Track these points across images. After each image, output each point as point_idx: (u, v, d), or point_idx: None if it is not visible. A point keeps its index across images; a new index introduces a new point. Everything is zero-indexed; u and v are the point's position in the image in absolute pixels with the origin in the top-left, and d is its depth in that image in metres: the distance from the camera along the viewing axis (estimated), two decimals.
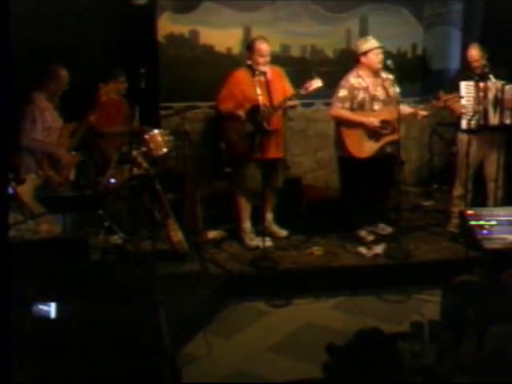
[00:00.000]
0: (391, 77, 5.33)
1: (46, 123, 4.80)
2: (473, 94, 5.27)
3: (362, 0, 6.89)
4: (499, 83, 5.26)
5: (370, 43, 5.22)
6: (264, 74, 5.12)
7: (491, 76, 5.28)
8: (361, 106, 5.25)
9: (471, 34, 6.84)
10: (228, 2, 6.57)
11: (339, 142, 5.36)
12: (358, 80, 5.26)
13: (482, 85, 5.27)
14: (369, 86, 5.24)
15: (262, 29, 6.39)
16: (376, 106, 5.26)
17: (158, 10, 6.31)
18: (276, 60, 5.57)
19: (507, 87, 5.26)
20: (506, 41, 5.94)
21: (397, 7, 7.02)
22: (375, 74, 5.25)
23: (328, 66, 6.27)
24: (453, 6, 7.29)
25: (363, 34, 6.82)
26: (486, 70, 5.33)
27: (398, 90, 5.24)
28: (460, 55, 6.80)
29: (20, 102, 4.77)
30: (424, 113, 5.25)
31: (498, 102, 5.26)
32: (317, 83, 5.07)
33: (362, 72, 5.27)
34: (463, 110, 5.26)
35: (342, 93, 5.25)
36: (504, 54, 5.57)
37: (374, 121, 5.16)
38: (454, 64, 7.13)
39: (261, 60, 5.11)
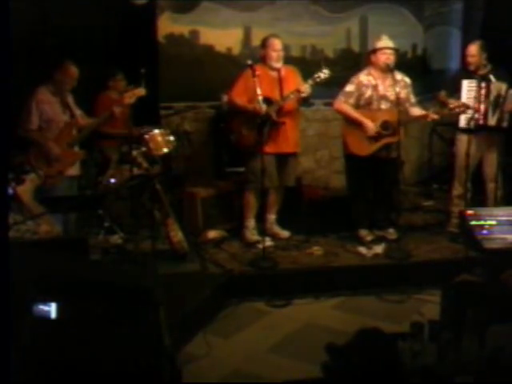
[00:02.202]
0: (407, 79, 5.34)
1: (44, 115, 4.88)
2: (474, 94, 5.27)
3: (362, 0, 6.90)
4: (502, 85, 5.25)
5: (381, 42, 5.24)
6: (278, 70, 5.22)
7: (491, 77, 5.28)
8: (368, 104, 5.26)
9: (471, 34, 6.84)
10: (228, 2, 6.58)
11: (343, 139, 5.43)
12: (367, 77, 5.27)
13: (483, 85, 5.26)
14: (378, 85, 5.24)
15: (262, 29, 6.40)
16: (383, 106, 5.25)
17: (158, 10, 6.32)
18: None
19: (511, 91, 5.25)
20: (506, 41, 5.95)
21: (397, 7, 7.03)
22: (387, 74, 5.21)
23: (328, 65, 6.27)
24: (453, 5, 7.30)
25: (363, 34, 6.85)
26: (486, 70, 5.34)
27: (407, 91, 5.28)
28: (460, 55, 6.80)
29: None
30: (435, 116, 5.20)
31: (499, 104, 5.26)
32: (325, 74, 5.10)
33: (374, 71, 5.28)
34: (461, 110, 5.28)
35: (349, 88, 5.27)
36: (504, 54, 5.57)
37: (371, 127, 5.17)
38: (454, 64, 7.14)
39: (274, 54, 5.20)
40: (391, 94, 5.18)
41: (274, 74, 5.25)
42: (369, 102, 5.26)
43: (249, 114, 5.16)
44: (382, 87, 5.25)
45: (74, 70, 4.91)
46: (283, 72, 5.28)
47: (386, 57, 5.17)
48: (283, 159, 5.34)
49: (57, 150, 4.87)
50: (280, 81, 5.23)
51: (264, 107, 5.06)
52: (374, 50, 5.26)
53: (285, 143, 5.28)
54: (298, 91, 5.11)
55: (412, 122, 5.38)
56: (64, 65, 4.90)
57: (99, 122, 5.12)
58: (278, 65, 5.24)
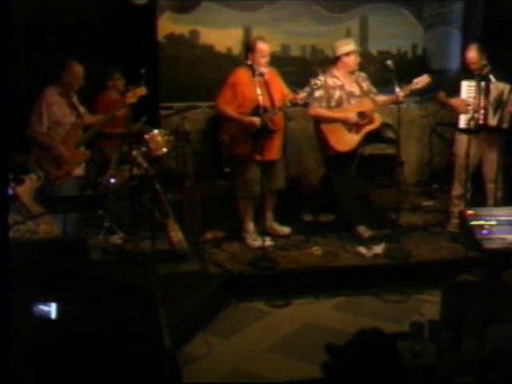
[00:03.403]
0: (363, 74, 5.52)
1: (53, 117, 4.90)
2: (473, 94, 5.28)
3: (362, 0, 6.90)
4: (504, 86, 5.24)
5: (352, 45, 5.37)
6: (262, 74, 5.16)
7: (491, 77, 5.28)
8: (339, 104, 5.37)
9: (471, 34, 6.84)
10: (228, 2, 6.58)
11: (322, 141, 5.44)
12: (332, 80, 5.38)
13: (483, 85, 5.26)
14: (344, 84, 5.39)
15: (262, 29, 6.40)
16: (353, 102, 5.39)
17: (158, 9, 6.32)
18: (276, 60, 5.59)
19: None
20: (506, 41, 5.94)
21: (397, 7, 7.03)
22: (350, 72, 5.41)
23: (328, 66, 6.27)
24: (453, 5, 7.29)
25: (363, 34, 6.84)
26: (486, 70, 5.33)
27: (367, 83, 5.48)
28: (460, 55, 6.79)
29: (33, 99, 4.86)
30: (402, 94, 5.16)
31: (500, 105, 5.26)
32: (321, 81, 5.14)
33: (338, 72, 5.41)
34: (463, 109, 5.29)
35: (318, 93, 5.33)
36: (504, 54, 5.56)
37: (350, 115, 5.29)
38: (454, 64, 7.14)
39: (262, 60, 5.15)
40: (356, 90, 5.40)
41: (260, 78, 5.13)
42: (339, 103, 5.36)
43: (244, 125, 5.14)
44: (347, 85, 5.39)
45: (78, 69, 4.92)
46: (266, 75, 5.22)
47: (358, 59, 5.37)
48: (271, 165, 5.29)
49: (67, 152, 4.89)
50: (266, 85, 5.16)
51: (258, 120, 5.04)
52: (348, 53, 5.32)
53: (272, 150, 5.24)
54: (295, 99, 5.12)
55: (383, 107, 5.47)
56: (68, 65, 4.91)
57: (104, 123, 5.12)
58: (265, 70, 5.19)
